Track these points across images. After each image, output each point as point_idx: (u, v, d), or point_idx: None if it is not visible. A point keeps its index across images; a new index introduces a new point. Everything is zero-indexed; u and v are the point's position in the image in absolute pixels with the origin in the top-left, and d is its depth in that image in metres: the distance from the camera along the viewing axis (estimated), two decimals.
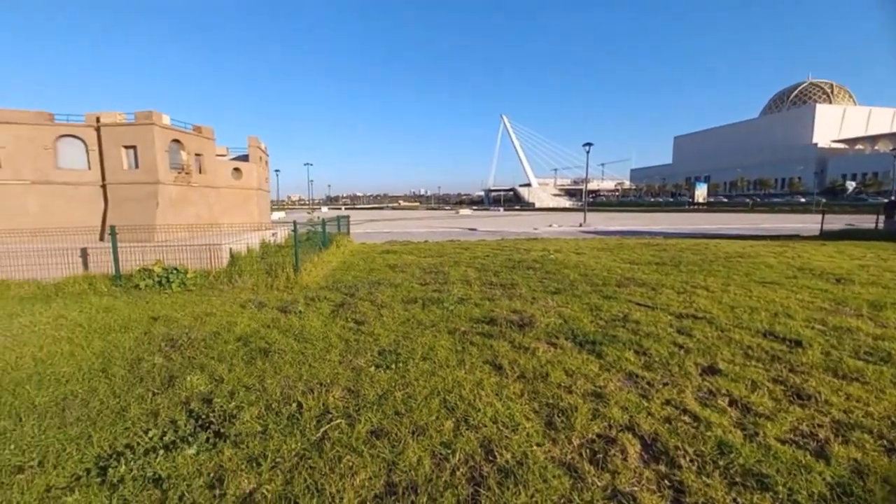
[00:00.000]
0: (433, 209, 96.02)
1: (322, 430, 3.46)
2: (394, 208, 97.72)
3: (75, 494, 2.75)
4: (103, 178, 10.47)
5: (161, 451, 3.17)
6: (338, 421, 3.58)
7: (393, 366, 4.68)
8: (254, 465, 3.04)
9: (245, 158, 14.54)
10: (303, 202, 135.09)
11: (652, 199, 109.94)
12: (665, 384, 4.22)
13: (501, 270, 10.58)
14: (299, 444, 3.29)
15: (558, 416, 3.61)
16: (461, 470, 2.96)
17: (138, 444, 3.29)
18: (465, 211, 76.37)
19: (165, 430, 3.47)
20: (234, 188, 13.02)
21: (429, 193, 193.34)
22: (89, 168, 10.48)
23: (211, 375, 4.50)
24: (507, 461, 3.04)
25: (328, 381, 4.35)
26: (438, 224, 38.22)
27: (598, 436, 3.36)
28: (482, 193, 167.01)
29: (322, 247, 11.87)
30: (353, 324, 6.29)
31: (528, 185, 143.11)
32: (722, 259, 12.06)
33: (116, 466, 2.98)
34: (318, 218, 12.87)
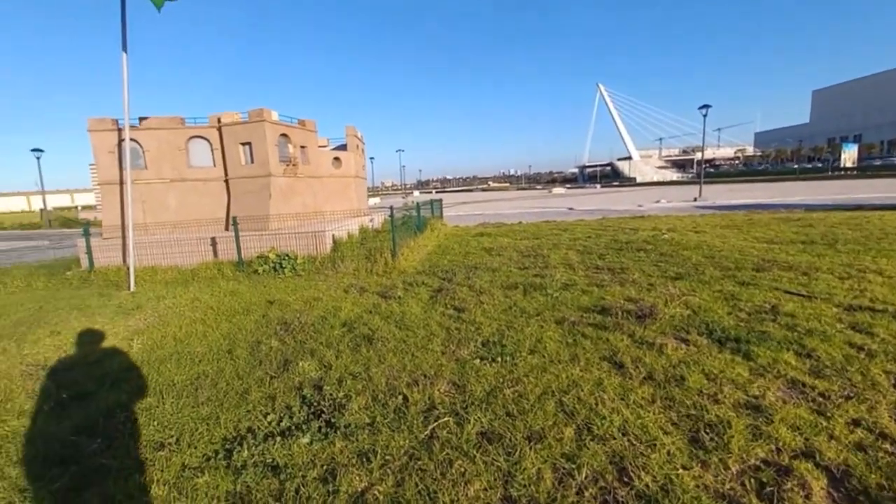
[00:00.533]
0: (524, 189, 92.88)
1: (430, 427, 3.27)
2: (483, 190, 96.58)
3: (205, 476, 2.87)
4: (226, 174, 11.57)
5: (278, 438, 3.22)
6: (446, 419, 3.36)
7: (499, 359, 4.36)
8: (364, 461, 2.93)
9: (343, 148, 15.16)
10: (395, 188, 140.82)
11: (785, 166, 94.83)
12: (847, 397, 3.33)
13: (607, 253, 9.67)
14: (407, 441, 3.13)
15: (706, 433, 2.99)
16: (590, 491, 2.54)
17: (258, 428, 3.40)
18: (558, 189, 72.85)
19: (282, 415, 3.55)
20: (335, 177, 13.67)
21: (518, 173, 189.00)
22: (214, 165, 11.66)
23: (320, 361, 4.58)
24: (647, 486, 2.54)
25: (432, 373, 4.17)
26: (531, 204, 36.99)
27: (765, 462, 2.70)
28: (576, 170, 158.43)
29: (417, 231, 11.89)
30: (453, 311, 6.09)
31: (628, 158, 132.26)
32: (894, 235, 9.74)
33: (240, 451, 3.08)
34: (413, 202, 12.93)
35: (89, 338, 5.95)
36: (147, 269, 10.02)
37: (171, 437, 3.36)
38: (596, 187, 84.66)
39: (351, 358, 4.62)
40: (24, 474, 3.01)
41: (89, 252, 10.04)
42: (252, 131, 11.00)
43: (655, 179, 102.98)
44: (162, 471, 2.95)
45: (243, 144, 11.23)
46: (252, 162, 11.22)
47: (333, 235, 11.05)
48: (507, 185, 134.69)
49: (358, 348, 4.89)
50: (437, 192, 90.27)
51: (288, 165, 11.67)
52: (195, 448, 3.20)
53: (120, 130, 11.15)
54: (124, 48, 8.44)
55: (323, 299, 7.16)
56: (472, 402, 3.58)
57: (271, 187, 11.08)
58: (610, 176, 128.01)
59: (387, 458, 2.96)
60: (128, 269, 9.19)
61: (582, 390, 3.65)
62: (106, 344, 5.64)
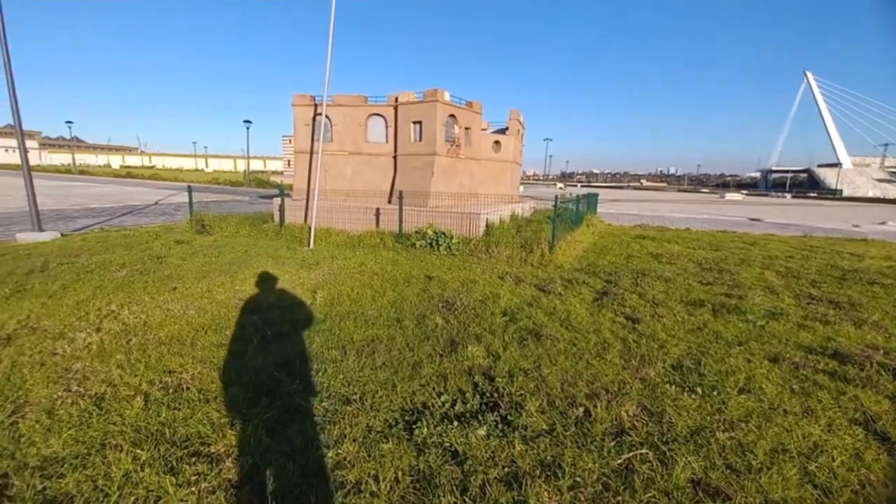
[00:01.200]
0: (685, 191, 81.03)
1: (624, 456, 2.79)
2: (636, 188, 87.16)
3: (389, 444, 2.87)
4: (395, 150, 12.32)
5: (455, 423, 3.09)
6: (643, 450, 2.84)
7: (698, 389, 3.62)
8: (551, 476, 2.61)
9: (503, 132, 14.98)
10: (537, 177, 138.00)
11: None
12: None
13: (823, 280, 7.71)
14: (597, 464, 2.71)
15: None
16: None
17: (433, 405, 3.33)
18: (733, 195, 61.78)
19: (455, 398, 3.43)
20: (493, 160, 13.60)
21: (678, 172, 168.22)
22: (386, 141, 12.51)
23: (487, 349, 4.40)
24: None
25: (615, 388, 3.65)
26: (698, 209, 32.46)
27: None
28: (756, 174, 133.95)
29: (573, 225, 11.13)
30: (625, 320, 5.39)
31: (835, 164, 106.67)
32: None
33: (419, 426, 3.02)
34: (570, 194, 12.14)
35: (282, 284, 6.80)
36: (322, 230, 11.25)
37: (355, 394, 3.49)
38: (785, 196, 70.66)
39: (519, 352, 4.35)
40: (242, 397, 3.41)
41: (282, 211, 11.71)
42: (424, 110, 11.44)
43: (871, 195, 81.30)
44: (350, 427, 3.05)
45: (414, 123, 11.78)
46: (420, 140, 11.72)
47: (487, 219, 10.98)
48: (664, 184, 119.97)
49: (524, 342, 4.60)
50: (582, 186, 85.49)
51: (452, 146, 11.92)
52: (377, 412, 3.25)
53: (316, 105, 12.63)
54: (329, 39, 9.33)
55: (479, 283, 7.06)
56: (674, 439, 2.99)
57: (435, 166, 11.45)
58: (804, 185, 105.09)
59: (576, 479, 2.59)
60: (309, 228, 10.38)
61: (833, 460, 2.77)
62: (295, 292, 6.35)
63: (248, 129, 42.24)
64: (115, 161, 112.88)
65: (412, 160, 11.91)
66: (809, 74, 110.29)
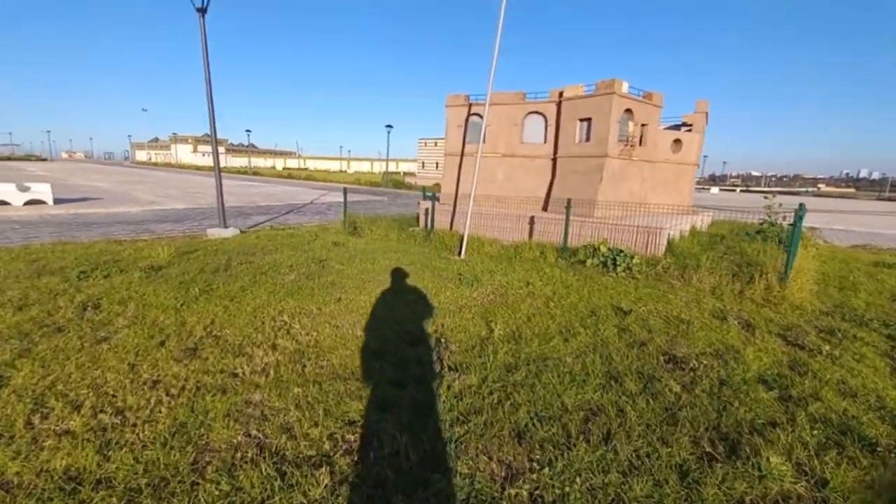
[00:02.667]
0: (891, 199, 60.87)
1: None
2: (815, 194, 69.93)
3: None
4: (555, 151, 10.99)
5: None
6: None
7: None
8: None
9: (676, 128, 12.59)
10: None
11: None
12: None
13: None
14: None
15: None
16: None
17: None
18: None
19: None
20: (670, 163, 11.41)
21: (874, 176, 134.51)
22: (545, 142, 11.26)
23: (790, 457, 2.85)
24: None
25: None
26: None
27: None
28: None
29: (789, 247, 8.54)
30: None
31: None
32: None
33: None
34: (778, 205, 9.47)
35: (445, 303, 5.99)
36: (473, 239, 10.45)
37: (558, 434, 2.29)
38: None
39: (849, 472, 2.70)
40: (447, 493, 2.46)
41: (432, 216, 11.23)
42: (595, 105, 9.90)
43: None
44: None
45: (582, 120, 10.30)
46: (587, 140, 10.20)
47: (669, 235, 9.01)
48: (852, 190, 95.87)
49: (842, 449, 2.92)
50: (741, 191, 73.45)
51: (625, 146, 10.16)
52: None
53: (471, 105, 11.92)
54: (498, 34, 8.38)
55: (693, 324, 5.37)
56: None
57: (604, 169, 9.83)
58: None
59: None
60: (461, 237, 9.62)
61: None
62: (465, 318, 5.46)
63: (388, 132, 44.81)
64: (279, 164, 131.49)
65: (575, 163, 10.44)
66: None
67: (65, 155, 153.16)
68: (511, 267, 8.35)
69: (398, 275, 7.43)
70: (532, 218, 10.56)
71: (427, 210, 12.73)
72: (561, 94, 10.71)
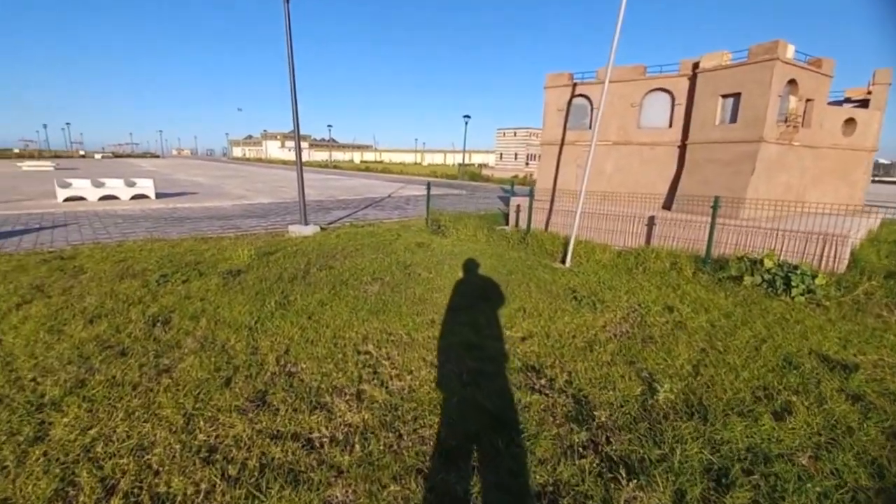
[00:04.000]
0: None
1: None
2: None
3: None
4: (684, 136, 8.98)
5: None
6: None
7: None
8: None
9: (838, 104, 9.81)
10: None
11: None
12: None
13: None
14: None
15: None
16: None
17: None
18: None
19: None
20: (839, 148, 8.87)
21: None
22: (669, 125, 9.29)
23: None
24: None
25: None
26: None
27: None
28: None
29: None
30: None
31: None
32: None
33: None
34: None
35: (569, 335, 4.60)
36: (579, 243, 8.87)
37: None
38: None
39: None
40: None
41: (530, 216, 9.76)
42: (747, 76, 7.77)
43: None
44: None
45: (725, 96, 8.21)
46: (733, 120, 8.11)
47: (853, 244, 6.77)
48: None
49: None
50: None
51: (787, 126, 7.91)
52: None
53: (575, 85, 10.23)
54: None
55: None
56: None
57: (758, 158, 7.71)
58: None
59: None
60: (564, 240, 8.12)
61: None
62: (603, 363, 4.04)
63: (466, 123, 43.67)
64: (357, 157, 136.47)
65: (713, 150, 8.39)
66: None
67: (174, 152, 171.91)
68: (635, 282, 6.70)
69: (497, 289, 6.15)
70: (651, 219, 8.72)
71: (518, 207, 11.31)
72: (696, 66, 8.66)
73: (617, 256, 8.03)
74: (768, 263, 6.12)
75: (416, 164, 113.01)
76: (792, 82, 7.81)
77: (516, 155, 45.79)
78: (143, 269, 6.82)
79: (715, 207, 6.84)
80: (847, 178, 9.13)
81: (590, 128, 10.24)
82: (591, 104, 10.10)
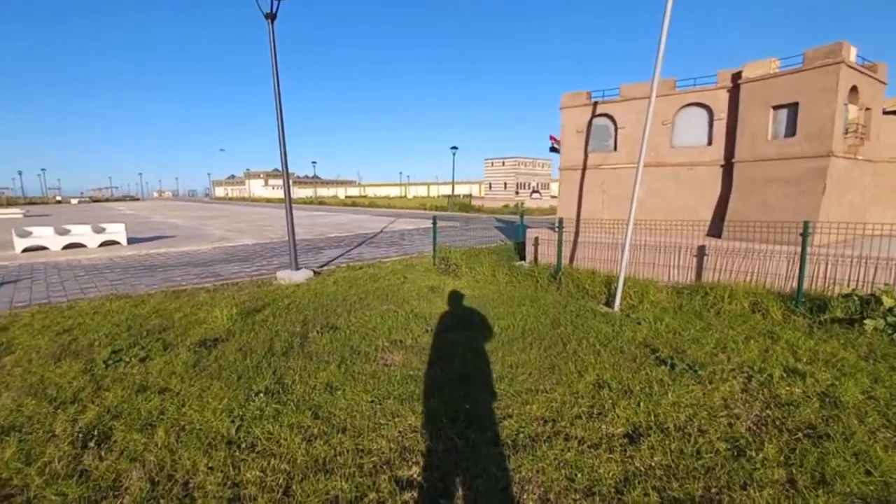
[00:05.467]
0: None
1: None
2: None
3: None
4: (728, 155, 7.98)
5: None
6: None
7: None
8: None
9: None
10: None
11: None
12: None
13: None
14: None
15: None
16: None
17: None
18: None
19: None
20: (895, 162, 7.95)
21: None
22: (709, 143, 8.29)
23: None
24: None
25: None
26: None
27: None
28: None
29: None
30: None
31: None
32: None
33: None
34: None
35: (684, 425, 3.23)
36: (608, 278, 7.62)
37: None
38: None
39: None
40: None
41: (559, 250, 8.48)
42: (806, 84, 6.83)
43: None
44: None
45: (777, 108, 7.24)
46: (790, 134, 7.11)
47: None
48: None
49: None
50: None
51: (855, 138, 6.95)
52: None
53: (595, 104, 9.26)
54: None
55: None
56: None
57: (828, 174, 6.66)
58: None
59: None
60: (608, 279, 6.88)
61: None
62: (763, 464, 2.67)
63: (454, 154, 43.21)
64: (341, 193, 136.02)
65: (770, 168, 7.34)
66: None
67: (156, 194, 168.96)
68: (716, 330, 5.39)
69: (559, 350, 4.78)
70: (701, 249, 7.54)
71: (537, 240, 10.09)
72: (737, 76, 7.74)
73: (675, 295, 6.77)
74: (889, 302, 4.91)
75: (401, 197, 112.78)
76: (853, 89, 6.91)
77: (505, 184, 45.34)
78: (90, 342, 5.28)
79: (805, 234, 5.68)
80: None
81: (615, 149, 9.21)
82: (616, 124, 9.10)
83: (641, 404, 3.54)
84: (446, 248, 11.37)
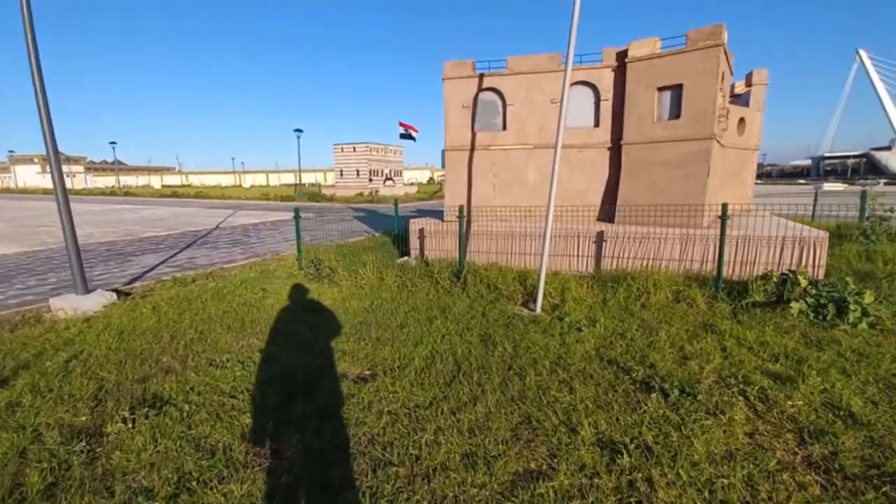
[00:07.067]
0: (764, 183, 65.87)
1: None
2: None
3: None
4: (616, 137, 7.76)
5: None
6: None
7: None
8: None
9: (740, 102, 9.86)
10: None
11: None
12: None
13: None
14: None
15: None
16: None
17: None
18: (832, 185, 51.49)
19: None
20: (736, 147, 8.86)
21: None
22: (596, 125, 7.99)
23: None
24: None
25: None
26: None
27: None
28: (804, 162, 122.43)
29: None
30: None
31: (891, 147, 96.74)
32: None
33: None
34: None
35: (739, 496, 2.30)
36: (523, 273, 6.82)
37: None
38: (879, 183, 61.10)
39: None
40: None
41: (461, 244, 7.21)
42: (690, 65, 6.84)
43: None
44: None
45: (662, 89, 7.19)
46: (675, 116, 7.12)
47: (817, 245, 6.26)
48: None
49: None
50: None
51: (723, 123, 7.28)
52: None
53: (482, 77, 8.24)
54: None
55: None
56: None
57: (711, 156, 6.81)
58: (862, 171, 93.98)
59: None
60: (536, 277, 6.03)
61: None
62: None
63: (298, 138, 38.81)
64: (155, 182, 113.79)
65: (657, 151, 7.30)
66: (862, 52, 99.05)
67: None
68: (663, 330, 4.84)
69: (513, 392, 3.53)
70: (601, 235, 7.22)
71: (422, 231, 8.77)
72: (623, 55, 7.52)
73: (596, 289, 6.18)
74: (803, 282, 4.95)
75: (237, 186, 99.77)
76: (721, 76, 7.24)
77: (358, 171, 42.89)
78: None
79: (724, 216, 5.51)
80: (740, 177, 9.31)
81: (504, 128, 8.36)
82: (504, 100, 8.24)
83: (681, 472, 2.50)
84: (313, 247, 9.25)
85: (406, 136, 36.80)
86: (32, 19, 5.69)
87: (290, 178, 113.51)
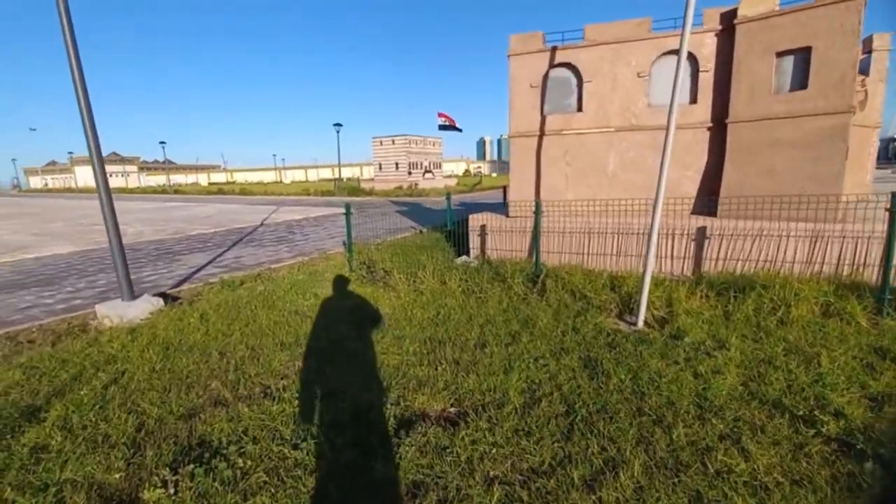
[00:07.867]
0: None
1: None
2: None
3: None
4: (717, 115, 6.57)
5: None
6: None
7: None
8: None
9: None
10: None
11: None
12: None
13: None
14: None
15: None
16: None
17: None
18: None
19: None
20: (856, 125, 7.42)
21: None
22: (693, 101, 6.81)
23: None
24: None
25: None
26: None
27: None
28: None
29: None
30: None
31: None
32: None
33: None
34: None
35: None
36: (599, 275, 5.82)
37: None
38: None
39: None
40: None
41: (537, 243, 6.31)
42: (819, 23, 5.57)
43: None
44: None
45: (781, 54, 5.94)
46: (800, 86, 5.86)
47: None
48: None
49: None
50: None
51: (860, 94, 5.97)
52: None
53: (554, 51, 7.21)
54: None
55: None
56: None
57: (848, 134, 5.54)
58: None
59: None
60: (640, 284, 5.05)
61: None
62: None
63: (338, 132, 38.76)
64: (203, 179, 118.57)
65: (775, 129, 6.06)
66: None
67: None
68: (814, 355, 3.77)
69: (658, 457, 2.61)
70: (701, 232, 6.09)
71: (484, 228, 7.89)
72: (730, 15, 6.30)
73: (712, 299, 5.11)
74: None
75: (278, 182, 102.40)
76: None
77: (397, 165, 42.42)
78: None
79: (894, 208, 4.30)
80: (859, 159, 7.84)
81: (579, 109, 7.32)
82: (580, 76, 7.18)
83: None
84: (365, 246, 8.59)
85: (446, 127, 35.88)
86: (72, 23, 5.20)
87: (327, 173, 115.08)
